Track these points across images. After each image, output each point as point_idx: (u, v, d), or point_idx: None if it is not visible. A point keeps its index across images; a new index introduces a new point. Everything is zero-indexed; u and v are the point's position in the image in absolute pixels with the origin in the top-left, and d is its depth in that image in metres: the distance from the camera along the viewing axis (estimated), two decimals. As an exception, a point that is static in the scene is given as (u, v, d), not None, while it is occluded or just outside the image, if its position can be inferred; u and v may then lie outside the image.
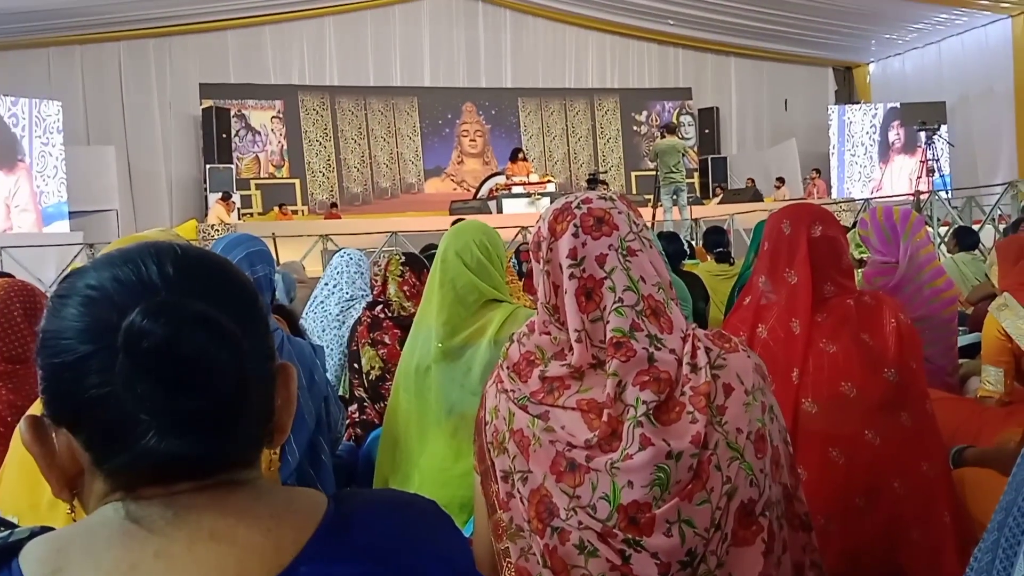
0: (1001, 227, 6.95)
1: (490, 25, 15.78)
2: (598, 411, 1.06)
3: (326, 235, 8.69)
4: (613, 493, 1.02)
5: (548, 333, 1.15)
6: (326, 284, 3.27)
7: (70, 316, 0.62)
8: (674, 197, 9.92)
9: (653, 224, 9.53)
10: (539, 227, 1.19)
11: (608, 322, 1.08)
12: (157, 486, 0.63)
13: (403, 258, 2.64)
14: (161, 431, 0.60)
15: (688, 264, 4.72)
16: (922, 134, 12.63)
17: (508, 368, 1.17)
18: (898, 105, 15.07)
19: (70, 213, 11.11)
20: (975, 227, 6.56)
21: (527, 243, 5.41)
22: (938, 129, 12.72)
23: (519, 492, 1.10)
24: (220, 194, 11.67)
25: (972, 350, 3.09)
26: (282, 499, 0.67)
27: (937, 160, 11.94)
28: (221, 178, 12.48)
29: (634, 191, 15.39)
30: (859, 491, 1.62)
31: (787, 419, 1.70)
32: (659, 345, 1.07)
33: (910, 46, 15.69)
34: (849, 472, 1.62)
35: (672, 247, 4.13)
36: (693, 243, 7.24)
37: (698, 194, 14.55)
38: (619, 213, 1.14)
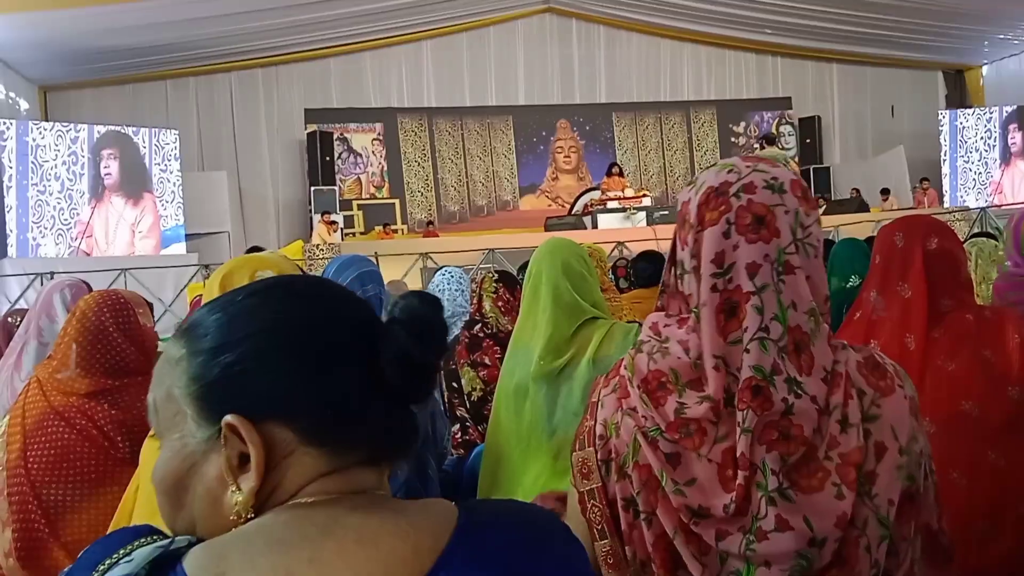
0: None
1: (584, 41, 15.84)
2: (731, 470, 0.93)
3: (425, 253, 8.87)
4: (748, 571, 0.92)
5: (676, 342, 0.99)
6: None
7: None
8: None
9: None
10: (688, 203, 1.00)
11: (748, 351, 0.93)
12: (370, 467, 0.72)
13: (496, 275, 2.68)
14: (389, 408, 0.72)
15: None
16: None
17: (638, 385, 0.99)
18: (1016, 108, 14.27)
19: (186, 236, 11.74)
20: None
21: (624, 258, 5.38)
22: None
23: (646, 530, 0.97)
24: (324, 215, 12.09)
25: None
26: (417, 507, 0.71)
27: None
28: (325, 200, 12.92)
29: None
30: (982, 515, 1.55)
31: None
32: (799, 392, 0.92)
33: (1027, 45, 14.86)
34: (971, 495, 1.55)
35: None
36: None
37: (800, 205, 14.13)
38: (786, 213, 0.95)
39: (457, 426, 2.62)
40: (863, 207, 12.49)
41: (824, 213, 12.57)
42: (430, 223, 14.24)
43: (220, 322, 0.72)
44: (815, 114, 15.84)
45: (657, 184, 15.81)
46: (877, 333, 1.78)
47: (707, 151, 16.34)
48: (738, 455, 0.92)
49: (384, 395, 0.71)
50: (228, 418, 0.67)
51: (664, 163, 16.25)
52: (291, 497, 0.68)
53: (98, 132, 11.13)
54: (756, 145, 12.53)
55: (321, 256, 9.35)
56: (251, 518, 0.67)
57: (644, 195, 12.43)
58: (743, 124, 16.44)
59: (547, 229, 11.82)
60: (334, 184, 13.66)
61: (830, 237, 7.95)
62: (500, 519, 0.72)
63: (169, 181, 11.75)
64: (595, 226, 11.55)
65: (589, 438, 1.05)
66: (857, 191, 13.59)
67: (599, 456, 1.02)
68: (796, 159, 15.58)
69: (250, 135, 14.35)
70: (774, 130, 15.64)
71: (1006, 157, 14.30)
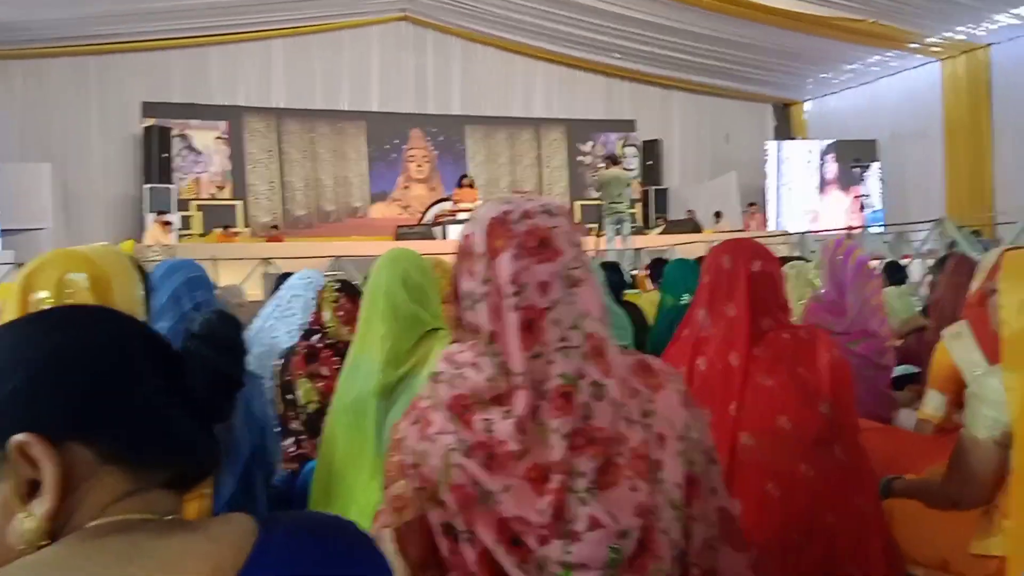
0: (928, 262, 7.21)
1: (439, 52, 15.87)
2: (543, 477, 0.97)
3: (268, 258, 8.57)
4: (564, 574, 0.96)
5: (473, 367, 1.03)
6: (277, 306, 3.16)
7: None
8: (617, 227, 10.06)
9: (596, 253, 9.63)
10: (471, 236, 1.05)
11: (552, 362, 0.99)
12: (171, 489, 0.70)
13: (337, 284, 2.61)
14: (191, 427, 0.69)
15: (629, 294, 4.77)
16: (856, 171, 13.07)
17: (442, 409, 1.03)
18: (833, 142, 15.58)
19: (1, 231, 10.75)
20: (904, 262, 6.79)
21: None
22: (870, 167, 13.18)
23: (466, 551, 0.99)
24: (158, 215, 11.43)
25: (902, 381, 3.19)
26: (216, 525, 0.68)
27: (869, 196, 12.35)
28: (160, 198, 12.23)
29: (578, 220, 15.54)
30: (795, 525, 1.65)
31: (725, 452, 1.72)
32: (600, 394, 0.99)
33: (844, 85, 16.26)
34: (785, 506, 1.65)
35: (614, 277, 4.18)
36: (635, 273, 7.35)
37: (640, 224, 14.76)
38: (563, 233, 1.03)
39: (291, 440, 2.53)
40: (697, 228, 13.21)
41: (661, 232, 13.21)
42: (274, 227, 13.77)
43: (9, 344, 0.69)
44: (657, 137, 16.61)
45: (507, 198, 16.07)
46: (704, 349, 1.87)
47: (555, 168, 16.77)
48: (555, 460, 0.97)
49: (186, 414, 0.68)
50: (17, 438, 0.63)
51: (514, 177, 16.52)
52: (88, 521, 0.65)
53: None
54: (601, 165, 12.97)
55: (153, 258, 8.81)
56: (45, 545, 0.63)
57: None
58: (590, 143, 16.99)
59: (398, 238, 11.73)
60: (171, 182, 12.95)
61: (666, 256, 8.35)
62: (301, 532, 0.71)
63: (-18, 171, 10.74)
64: (446, 236, 11.58)
65: (399, 472, 1.06)
66: (692, 212, 14.37)
67: (413, 486, 1.03)
68: (638, 180, 16.27)
69: (79, 126, 13.34)
70: (618, 151, 16.27)
71: (823, 187, 15.55)
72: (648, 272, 5.95)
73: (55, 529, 0.64)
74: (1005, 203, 13.09)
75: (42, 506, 0.63)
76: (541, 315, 1.00)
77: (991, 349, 2.14)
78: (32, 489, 0.63)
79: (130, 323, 0.74)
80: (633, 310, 3.85)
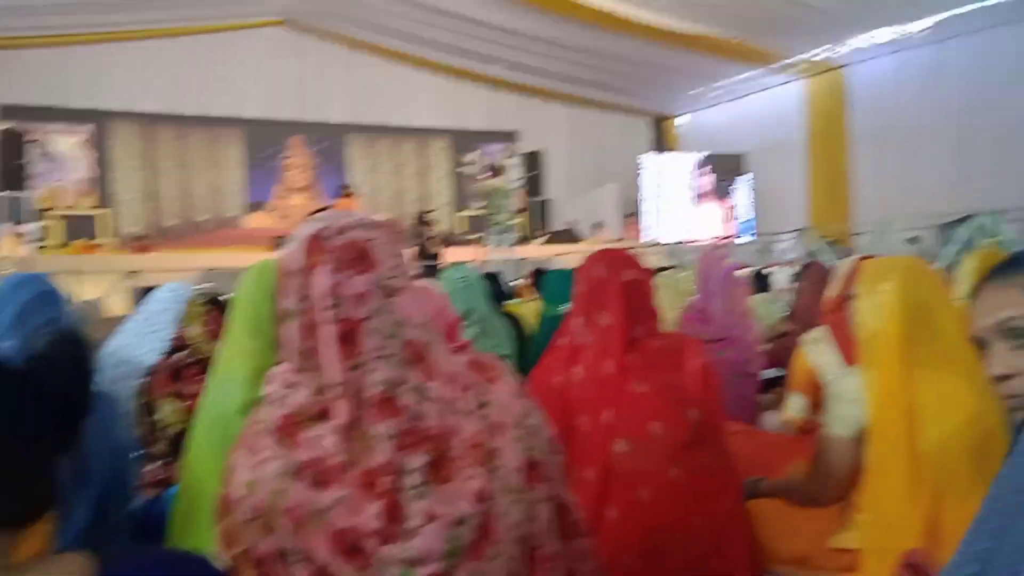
0: (792, 271, 7.61)
1: (320, 59, 15.55)
2: (373, 483, 0.99)
3: (135, 271, 8.14)
4: (405, 573, 0.97)
5: (297, 386, 1.03)
6: (142, 321, 2.97)
7: None
8: (500, 237, 10.14)
9: (480, 263, 9.67)
10: (289, 253, 1.06)
11: (373, 371, 1.01)
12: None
13: (204, 298, 2.49)
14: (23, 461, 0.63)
15: (511, 304, 4.80)
16: (727, 183, 13.70)
17: (269, 433, 1.03)
18: (705, 155, 16.25)
19: None
20: (770, 270, 7.14)
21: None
22: (740, 179, 13.84)
23: (299, 573, 0.99)
24: (10, 224, 10.66)
25: (767, 385, 3.34)
26: (47, 568, 0.63)
27: (740, 208, 12.95)
28: (15, 208, 11.41)
29: (462, 230, 15.57)
30: (663, 528, 1.68)
31: (599, 459, 1.75)
32: (425, 396, 1.02)
33: (715, 101, 17.01)
34: (655, 510, 1.68)
35: (496, 287, 4.19)
36: (518, 283, 7.40)
37: (523, 234, 14.93)
38: (382, 245, 1.06)
39: (155, 464, 2.39)
40: (577, 238, 13.49)
41: (543, 243, 13.40)
42: (143, 238, 13.10)
43: None
44: (539, 149, 16.86)
45: (391, 207, 15.89)
46: (580, 358, 1.89)
47: (439, 178, 16.74)
48: (382, 464, 0.98)
49: (17, 447, 0.61)
50: None
51: (398, 187, 16.38)
52: None
53: None
54: (484, 176, 13.04)
55: (5, 271, 8.23)
56: None
57: (377, 218, 12.41)
58: (473, 154, 17.06)
59: (275, 249, 11.40)
60: (27, 190, 12.11)
61: (548, 266, 8.47)
62: (142, 565, 0.65)
63: None
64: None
65: (228, 504, 1.05)
66: (572, 223, 14.66)
67: (243, 517, 1.02)
68: (521, 190, 16.47)
69: (-80, 129, 12.30)
70: (501, 162, 16.41)
71: (696, 199, 16.19)
72: (530, 282, 6.01)
73: None
74: (862, 215, 14.04)
75: None
76: (358, 326, 1.01)
77: (847, 351, 2.26)
78: None
79: None
80: (514, 320, 3.87)
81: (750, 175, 15.84)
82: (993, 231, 6.47)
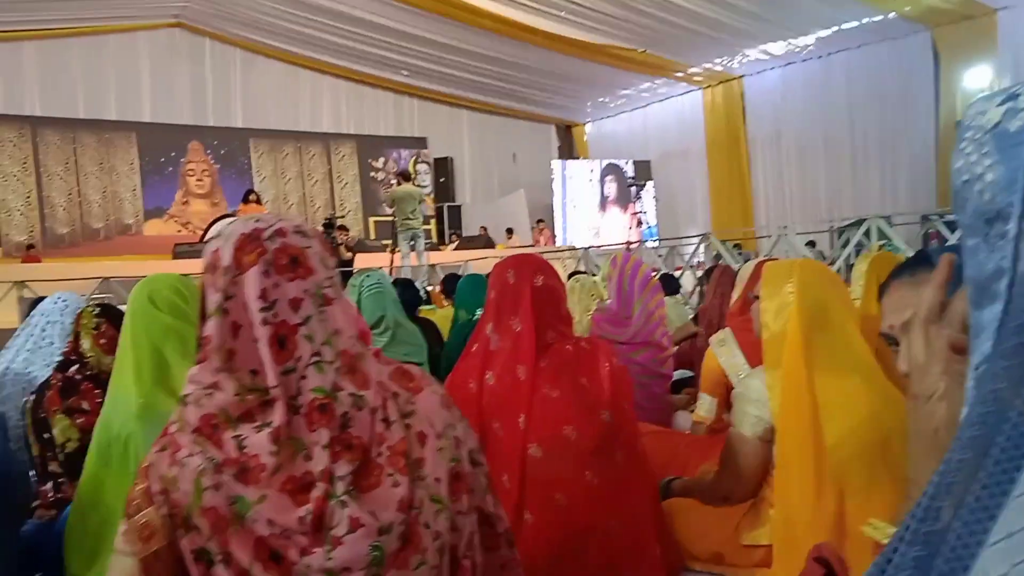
0: (698, 274, 7.82)
1: (219, 62, 15.13)
2: (301, 488, 0.97)
3: (23, 281, 7.70)
4: None
5: (217, 386, 1.00)
6: (29, 336, 2.81)
7: None
8: (412, 243, 10.06)
9: (392, 270, 9.56)
10: (218, 250, 1.03)
11: (305, 377, 0.99)
12: None
13: (97, 308, 2.37)
14: None
15: (424, 310, 4.76)
16: (632, 189, 13.98)
17: (189, 432, 1.00)
18: (611, 162, 16.56)
19: None
20: (676, 273, 7.32)
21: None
22: (644, 185, 14.14)
23: (220, 573, 0.96)
24: None
25: (678, 386, 3.41)
26: None
27: (645, 213, 13.24)
28: None
29: (372, 236, 15.39)
30: (579, 531, 1.69)
31: (515, 464, 1.75)
32: (360, 404, 1.01)
33: (620, 109, 17.39)
34: (570, 513, 1.69)
35: (408, 293, 4.14)
36: (430, 289, 7.35)
37: (435, 240, 14.87)
38: (315, 254, 1.04)
39: (49, 484, 2.25)
40: (490, 244, 13.51)
41: (456, 248, 13.38)
42: (31, 247, 12.42)
43: None
44: (448, 155, 16.84)
45: (298, 213, 15.57)
46: (493, 364, 1.88)
47: (347, 184, 16.52)
48: (317, 471, 0.97)
49: None
50: None
51: (305, 193, 16.07)
52: None
53: None
54: (393, 181, 12.92)
55: None
56: None
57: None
58: (382, 160, 16.90)
59: (176, 256, 11.00)
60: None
61: (461, 272, 8.47)
62: None
63: None
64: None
65: (146, 499, 1.02)
66: (485, 229, 14.68)
67: (161, 513, 1.00)
68: (431, 196, 16.40)
69: None
70: (410, 168, 16.31)
71: (603, 204, 16.48)
72: (442, 288, 5.98)
73: None
74: (763, 218, 14.56)
75: None
76: (293, 331, 1.00)
77: (752, 352, 2.33)
78: None
79: None
80: (428, 326, 3.83)
81: (653, 181, 16.21)
82: (882, 234, 6.82)
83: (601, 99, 16.74)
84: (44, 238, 13.17)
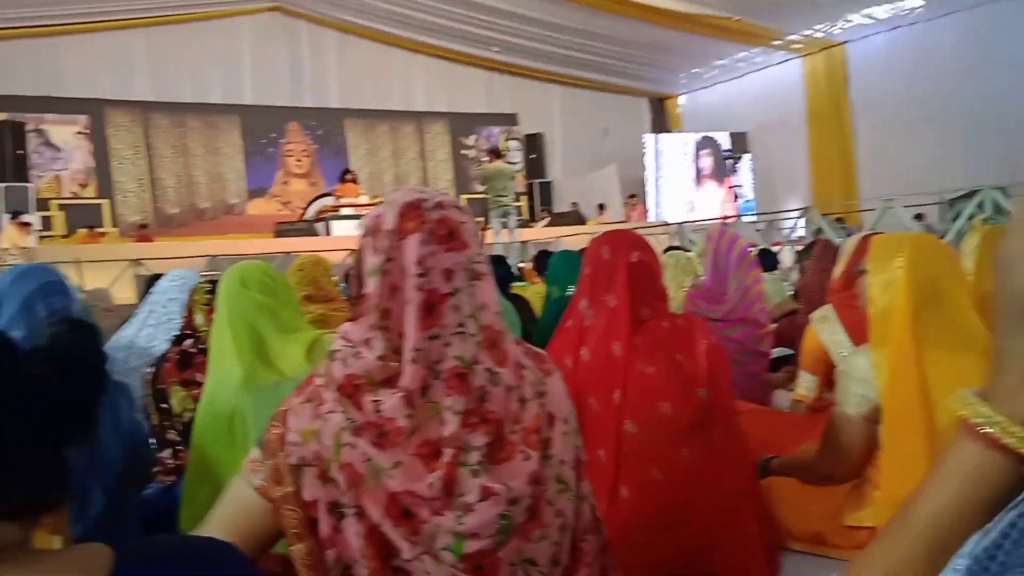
0: (798, 249, 7.59)
1: (315, 44, 15.49)
2: (435, 453, 1.01)
3: (138, 259, 8.14)
4: (456, 544, 0.99)
5: (368, 343, 1.04)
6: (151, 312, 2.97)
7: None
8: (503, 220, 10.12)
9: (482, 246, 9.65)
10: (382, 215, 1.07)
11: (450, 344, 1.03)
12: (11, 520, 0.62)
13: (209, 285, 2.49)
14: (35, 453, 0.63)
15: (516, 286, 4.79)
16: (728, 162, 13.64)
17: (333, 389, 1.05)
18: (706, 135, 16.18)
19: None
20: (775, 248, 7.13)
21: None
22: (741, 158, 13.78)
23: (351, 529, 1.01)
24: (12, 215, 10.65)
25: (777, 364, 3.33)
26: (64, 559, 0.63)
27: (742, 186, 12.90)
28: (16, 198, 11.39)
29: (464, 214, 15.55)
30: (675, 507, 1.69)
31: (610, 440, 1.75)
32: (496, 380, 1.04)
33: (715, 80, 16.93)
34: (666, 489, 1.69)
35: (500, 269, 4.18)
36: (522, 265, 7.40)
37: (526, 217, 14.91)
38: (469, 229, 1.08)
39: (168, 451, 2.39)
40: (581, 220, 13.45)
41: (547, 225, 13.37)
42: (144, 226, 13.09)
43: None
44: (539, 131, 16.80)
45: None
46: (587, 340, 1.89)
47: (439, 162, 16.71)
48: (446, 436, 1.01)
49: (23, 438, 0.61)
50: None
51: (398, 171, 16.35)
52: None
53: None
54: (484, 158, 13.01)
55: (10, 262, 8.22)
56: None
57: (379, 202, 12.38)
58: (473, 137, 17.01)
59: (278, 235, 11.39)
60: (28, 181, 12.09)
61: (551, 249, 8.47)
62: (157, 559, 0.65)
63: None
64: (328, 233, 11.32)
65: (279, 444, 1.07)
66: (576, 205, 14.61)
67: (291, 462, 1.05)
68: (522, 173, 16.42)
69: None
70: (501, 145, 16.36)
71: (699, 178, 16.14)
72: (534, 264, 6.01)
73: None
74: (868, 191, 13.96)
75: None
76: (443, 300, 1.03)
77: (854, 329, 2.26)
78: None
79: None
80: (520, 302, 3.86)
81: (751, 154, 15.75)
82: (998, 206, 6.45)
83: (695, 70, 16.34)
84: (155, 218, 13.85)
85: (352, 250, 8.48)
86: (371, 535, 1.00)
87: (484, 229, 10.49)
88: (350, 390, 1.03)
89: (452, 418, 1.01)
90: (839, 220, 10.11)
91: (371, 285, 1.05)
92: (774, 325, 3.63)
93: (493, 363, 1.05)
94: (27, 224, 10.62)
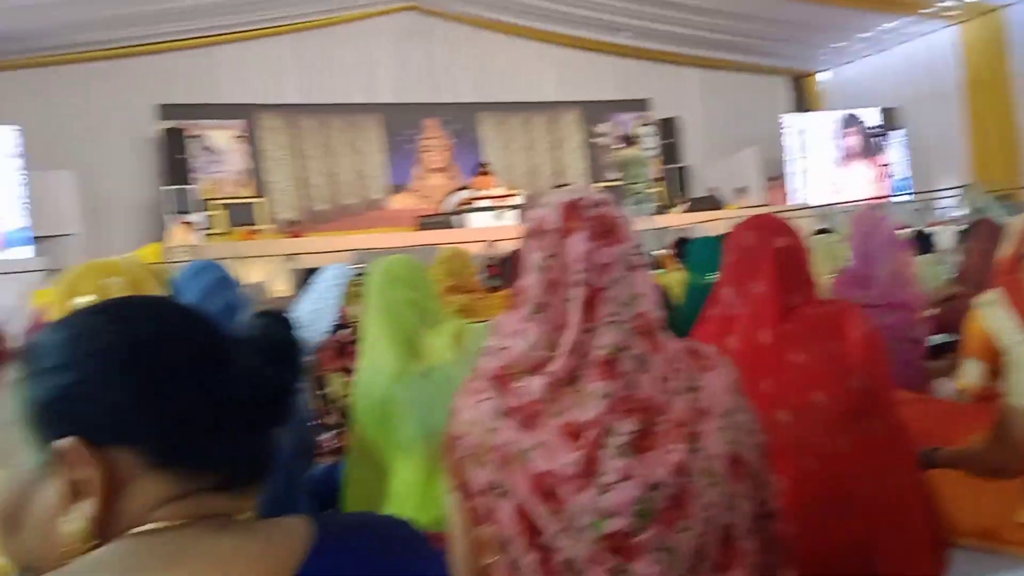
0: (957, 229, 7.11)
1: (448, 40, 15.82)
2: (577, 434, 1.05)
3: (291, 254, 8.62)
4: (597, 523, 1.03)
5: (520, 334, 1.12)
6: (310, 303, 3.17)
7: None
8: (638, 207, 10.02)
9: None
10: (545, 216, 1.15)
11: (602, 333, 1.08)
12: (223, 492, 0.69)
13: (362, 278, 2.62)
14: (242, 432, 0.69)
15: (654, 274, 4.75)
16: (877, 140, 12.90)
17: (487, 379, 1.14)
18: (852, 112, 15.37)
19: (34, 239, 10.89)
20: (932, 230, 6.70)
21: (495, 257, 5.40)
22: (891, 135, 12.99)
23: (504, 507, 1.08)
24: (180, 216, 11.52)
25: (937, 351, 3.15)
26: (271, 527, 0.69)
27: (893, 165, 12.17)
28: (181, 200, 12.32)
29: (598, 202, 15.46)
30: (833, 499, 1.64)
31: (764, 429, 1.72)
32: (644, 367, 1.08)
33: (860, 54, 16.03)
34: (822, 481, 1.64)
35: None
36: (659, 252, 7.30)
37: (662, 203, 14.68)
38: (625, 224, 1.15)
39: (328, 433, 2.55)
40: (719, 205, 13.11)
41: (684, 211, 13.12)
42: (295, 223, 13.83)
43: (59, 343, 0.69)
44: (673, 115, 16.47)
45: (526, 183, 15.99)
46: (732, 328, 1.85)
47: (572, 151, 16.70)
48: (590, 419, 1.05)
49: (236, 419, 0.67)
50: (62, 443, 0.63)
51: (532, 163, 16.47)
52: (136, 524, 0.65)
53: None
54: (618, 146, 12.90)
55: (181, 258, 8.90)
56: (93, 547, 0.63)
57: (514, 194, 12.55)
58: (605, 125, 16.89)
59: (421, 228, 11.74)
60: (190, 183, 13.04)
61: (689, 235, 8.31)
62: (354, 534, 0.71)
63: (11, 180, 10.84)
64: (467, 225, 11.57)
65: (451, 441, 1.17)
66: (714, 189, 14.25)
67: (458, 455, 1.14)
68: (657, 159, 16.18)
69: (97, 132, 13.43)
70: (635, 131, 16.16)
71: (844, 159, 15.36)
72: (672, 251, 5.92)
73: (102, 531, 0.64)
74: (1033, 165, 12.87)
75: (86, 509, 0.63)
76: (599, 293, 1.09)
77: (1025, 315, 2.10)
78: (77, 491, 0.64)
79: (192, 321, 0.74)
80: (660, 291, 3.82)
81: (903, 130, 14.83)
82: None
83: (837, 45, 15.52)
84: (305, 215, 14.59)
85: (490, 241, 8.67)
86: (519, 514, 1.06)
87: (619, 217, 10.43)
88: (501, 379, 1.11)
89: (597, 402, 1.05)
90: (1005, 197, 9.38)
91: (530, 280, 1.12)
92: (932, 311, 3.43)
93: (645, 350, 1.08)
94: (192, 224, 11.47)
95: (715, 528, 1.07)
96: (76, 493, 0.64)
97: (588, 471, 1.03)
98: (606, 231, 1.11)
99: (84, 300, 1.53)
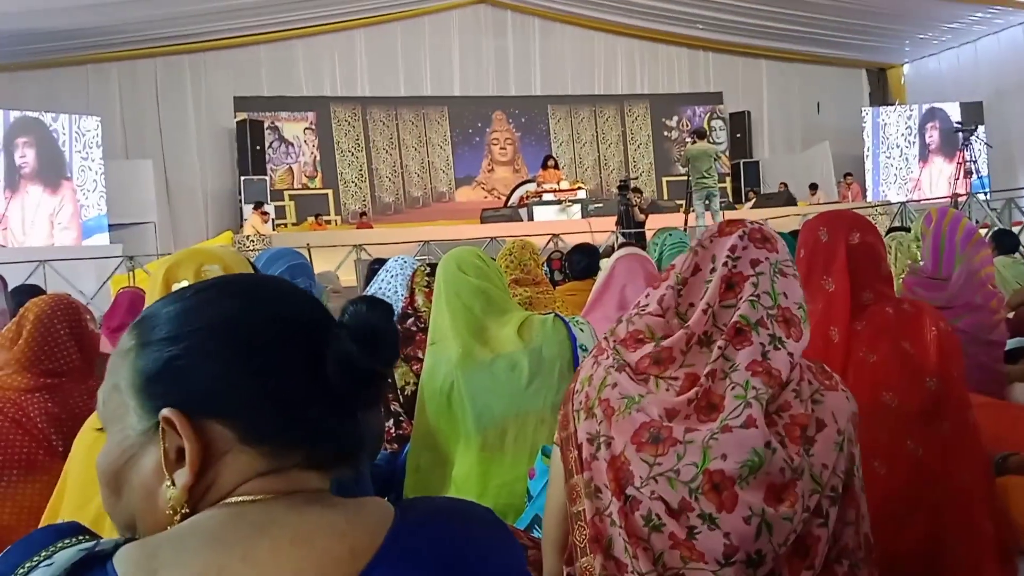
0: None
1: (519, 33, 15.84)
2: (693, 382, 1.12)
3: (359, 245, 8.77)
4: (703, 459, 1.05)
5: (654, 301, 1.20)
6: (377, 293, 3.23)
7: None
8: (706, 202, 9.88)
9: (686, 230, 9.49)
10: (709, 228, 1.27)
11: (739, 309, 1.14)
12: (310, 470, 0.71)
13: (428, 268, 2.65)
14: (332, 413, 0.70)
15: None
16: (959, 135, 12.42)
17: (615, 342, 1.21)
18: (934, 106, 14.84)
19: (110, 226, 11.34)
20: (1015, 229, 6.44)
21: (559, 251, 5.41)
22: (975, 130, 12.49)
23: (601, 456, 1.14)
24: (254, 205, 11.82)
25: (1015, 355, 3.04)
26: (354, 506, 0.71)
27: (975, 162, 11.72)
28: (255, 189, 12.65)
29: (665, 196, 15.31)
30: (900, 501, 1.60)
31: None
32: (779, 345, 1.12)
33: (945, 46, 15.44)
34: (890, 482, 1.61)
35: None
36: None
37: (731, 199, 14.44)
38: (781, 242, 1.23)
39: (391, 421, 2.59)
40: (791, 200, 12.82)
41: (754, 206, 12.88)
42: (364, 214, 14.07)
43: (169, 316, 0.72)
44: (745, 109, 16.18)
45: (592, 177, 15.94)
46: (803, 325, 1.82)
47: (641, 144, 16.56)
48: (712, 368, 1.11)
49: (328, 400, 0.70)
50: (165, 412, 0.67)
51: (599, 156, 16.39)
52: (227, 495, 0.68)
53: (13, 117, 10.67)
54: (688, 139, 12.72)
55: (252, 248, 9.15)
56: (186, 515, 0.67)
57: (579, 188, 12.50)
58: (675, 118, 16.69)
59: (483, 221, 11.80)
60: (265, 174, 13.39)
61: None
62: (435, 517, 0.73)
63: (91, 169, 11.31)
64: (531, 218, 11.58)
65: (568, 396, 1.25)
66: (785, 185, 13.95)
67: (572, 407, 1.22)
68: (727, 153, 15.91)
69: (176, 123, 13.93)
70: (705, 124, 15.92)
71: (924, 154, 14.85)
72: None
73: (195, 500, 0.67)
74: None
75: (182, 477, 0.66)
76: (744, 278, 1.17)
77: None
78: (179, 458, 0.67)
79: (295, 302, 0.76)
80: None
81: (985, 125, 14.24)
82: None
83: (921, 36, 14.99)
84: (374, 206, 14.83)
85: (554, 235, 8.66)
86: (613, 463, 1.12)
87: (687, 212, 10.29)
88: (631, 341, 1.20)
89: (722, 360, 1.11)
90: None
91: (679, 259, 1.23)
92: (1011, 313, 3.30)
93: (783, 334, 1.13)
94: (266, 213, 11.77)
95: (807, 529, 1.07)
96: (175, 462, 0.67)
97: (708, 405, 1.09)
98: (762, 238, 1.20)
99: (184, 284, 1.60)
